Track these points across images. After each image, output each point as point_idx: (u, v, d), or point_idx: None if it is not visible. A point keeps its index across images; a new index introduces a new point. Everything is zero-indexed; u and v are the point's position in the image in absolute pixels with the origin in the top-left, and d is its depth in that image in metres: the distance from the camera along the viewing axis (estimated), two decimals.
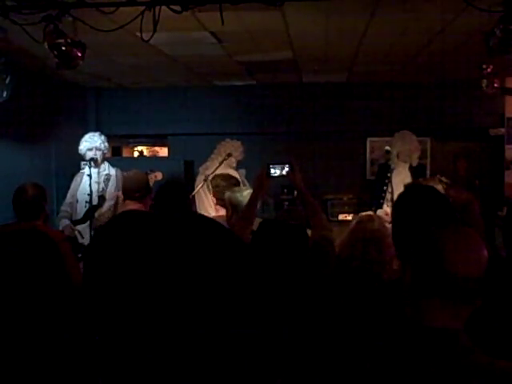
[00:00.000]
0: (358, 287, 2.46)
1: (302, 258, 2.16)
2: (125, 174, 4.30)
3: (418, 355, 1.27)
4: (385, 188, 5.71)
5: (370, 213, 3.14)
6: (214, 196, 4.03)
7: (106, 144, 5.43)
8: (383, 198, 5.67)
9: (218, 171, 5.20)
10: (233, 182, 3.98)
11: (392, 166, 5.79)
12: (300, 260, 2.15)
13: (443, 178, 5.05)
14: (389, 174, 5.73)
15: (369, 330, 1.87)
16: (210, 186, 4.23)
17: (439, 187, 5.06)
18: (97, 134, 5.46)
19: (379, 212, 5.51)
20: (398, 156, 5.75)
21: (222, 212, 3.72)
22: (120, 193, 4.33)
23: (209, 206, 4.89)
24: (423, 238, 1.41)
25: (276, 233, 2.19)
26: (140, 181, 3.85)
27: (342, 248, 2.67)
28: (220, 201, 3.86)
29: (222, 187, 3.86)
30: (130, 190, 3.80)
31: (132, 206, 3.74)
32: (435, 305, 1.32)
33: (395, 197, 4.65)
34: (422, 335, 1.30)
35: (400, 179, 5.46)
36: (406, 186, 4.26)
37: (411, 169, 5.73)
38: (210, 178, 4.70)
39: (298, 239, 2.19)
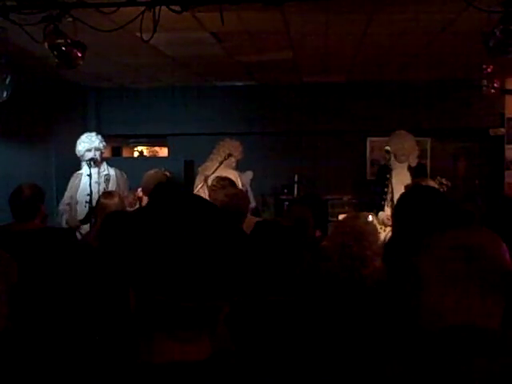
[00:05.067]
0: (338, 281, 2.47)
1: (296, 257, 2.18)
2: (146, 173, 4.72)
3: (457, 353, 1.24)
4: (385, 190, 5.57)
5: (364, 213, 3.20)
6: (209, 197, 4.02)
7: (104, 143, 5.44)
8: (384, 200, 5.55)
9: (218, 171, 5.21)
10: (227, 184, 3.97)
11: (391, 166, 5.63)
12: (294, 260, 2.16)
13: (443, 180, 5.02)
14: (388, 176, 5.59)
15: (377, 331, 1.87)
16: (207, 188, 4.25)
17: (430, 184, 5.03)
18: (93, 134, 5.47)
19: (381, 215, 5.40)
20: (395, 156, 5.62)
21: None
22: (139, 190, 4.63)
23: None
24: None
25: (270, 233, 2.21)
26: (158, 179, 4.20)
27: (326, 241, 2.72)
28: (214, 201, 3.87)
29: (218, 188, 3.87)
30: (148, 187, 4.21)
31: None
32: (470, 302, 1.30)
33: (395, 198, 4.61)
34: (459, 333, 1.27)
35: (399, 180, 5.35)
36: (406, 188, 4.25)
37: (410, 169, 5.61)
38: (210, 178, 4.72)
39: (292, 240, 2.20)
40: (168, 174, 4.95)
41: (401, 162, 5.59)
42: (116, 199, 4.02)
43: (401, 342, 1.37)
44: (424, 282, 1.36)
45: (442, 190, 4.90)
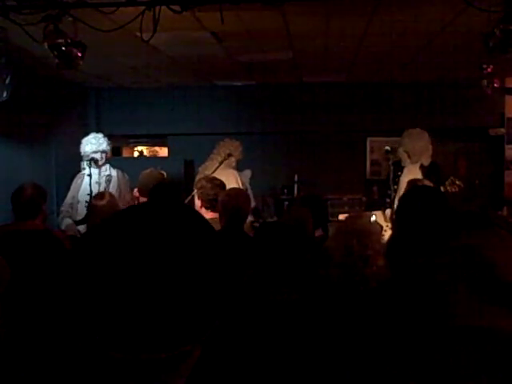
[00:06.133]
0: (340, 281, 2.47)
1: (301, 258, 2.18)
2: (142, 173, 4.62)
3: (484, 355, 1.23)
4: (395, 187, 5.43)
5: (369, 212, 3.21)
6: (198, 199, 3.87)
7: (110, 145, 5.46)
8: (390, 197, 5.43)
9: (218, 171, 5.20)
10: (217, 183, 3.90)
11: (403, 164, 5.50)
12: (299, 260, 2.16)
13: (456, 181, 4.98)
14: (399, 173, 5.44)
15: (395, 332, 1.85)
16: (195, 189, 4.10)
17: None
18: (100, 135, 5.46)
19: (388, 212, 5.30)
20: (408, 155, 5.47)
21: (209, 215, 3.69)
22: (136, 190, 4.54)
23: None
24: (466, 246, 1.37)
25: (275, 234, 2.21)
26: (154, 179, 4.14)
27: (328, 241, 2.73)
28: (205, 203, 3.79)
29: (207, 189, 3.79)
30: (144, 187, 4.13)
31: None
32: (492, 311, 1.28)
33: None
34: (486, 336, 1.26)
35: (410, 178, 5.11)
36: (409, 185, 4.21)
37: (423, 168, 5.46)
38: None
39: (297, 240, 2.20)
40: (164, 173, 4.93)
41: (414, 161, 5.45)
42: (106, 200, 3.95)
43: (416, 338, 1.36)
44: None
45: (454, 190, 4.86)
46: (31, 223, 3.34)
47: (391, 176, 5.48)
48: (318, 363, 1.87)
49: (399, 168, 5.52)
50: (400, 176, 5.43)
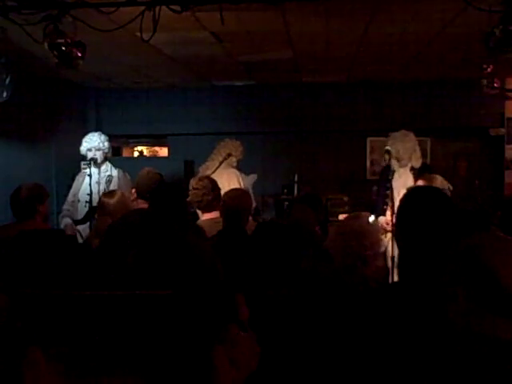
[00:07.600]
0: (340, 281, 2.48)
1: (298, 257, 2.18)
2: (138, 173, 4.50)
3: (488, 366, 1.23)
4: (387, 193, 5.16)
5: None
6: (191, 201, 3.75)
7: (107, 144, 5.39)
8: (386, 204, 5.19)
9: (218, 171, 5.20)
10: (209, 188, 3.75)
11: (392, 168, 5.22)
12: (295, 259, 2.16)
13: (448, 185, 4.93)
14: (390, 177, 5.16)
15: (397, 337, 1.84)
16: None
17: (438, 182, 4.93)
18: (96, 134, 5.44)
19: (380, 220, 5.10)
20: (396, 158, 5.23)
21: (206, 216, 3.67)
22: (133, 191, 4.46)
23: None
24: (467, 251, 1.35)
25: (272, 233, 2.21)
26: (152, 180, 4.07)
27: (328, 242, 2.73)
28: (198, 203, 3.71)
29: (198, 196, 3.71)
30: (142, 189, 4.08)
31: (143, 204, 3.92)
32: (491, 316, 1.27)
33: (396, 201, 4.47)
34: (492, 346, 1.26)
35: (401, 182, 5.05)
36: (408, 190, 4.13)
37: (414, 170, 5.27)
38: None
39: (294, 239, 2.21)
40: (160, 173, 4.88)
41: (403, 165, 5.25)
42: (116, 199, 3.94)
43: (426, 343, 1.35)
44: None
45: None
46: (31, 223, 3.34)
47: (391, 179, 5.27)
48: (315, 363, 1.87)
49: (389, 171, 5.26)
50: (390, 180, 5.14)
